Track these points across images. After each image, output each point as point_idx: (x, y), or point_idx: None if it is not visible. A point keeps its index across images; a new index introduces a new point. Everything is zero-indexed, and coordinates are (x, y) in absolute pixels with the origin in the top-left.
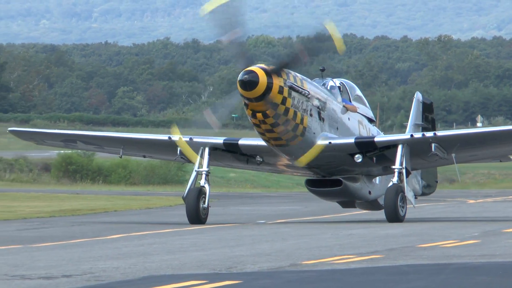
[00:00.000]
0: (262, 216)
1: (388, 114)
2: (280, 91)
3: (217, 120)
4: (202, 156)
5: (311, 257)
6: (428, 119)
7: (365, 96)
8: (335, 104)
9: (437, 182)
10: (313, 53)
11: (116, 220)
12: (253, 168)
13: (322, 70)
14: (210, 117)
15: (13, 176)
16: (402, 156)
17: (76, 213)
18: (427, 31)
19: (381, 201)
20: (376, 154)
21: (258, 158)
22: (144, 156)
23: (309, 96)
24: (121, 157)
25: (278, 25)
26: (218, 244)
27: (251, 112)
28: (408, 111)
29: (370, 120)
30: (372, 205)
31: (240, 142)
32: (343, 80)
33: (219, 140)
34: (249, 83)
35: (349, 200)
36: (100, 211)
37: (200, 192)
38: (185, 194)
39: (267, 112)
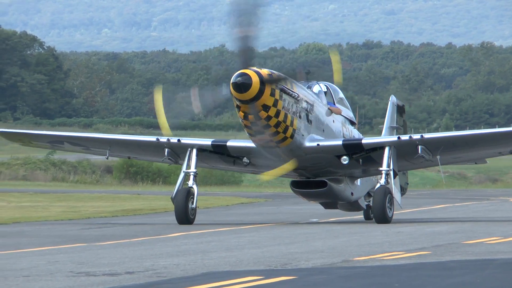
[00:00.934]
0: (315, 215)
1: (433, 117)
2: (272, 93)
3: (200, 104)
4: (190, 158)
5: (362, 254)
6: (401, 121)
7: (411, 100)
8: (321, 107)
9: (407, 184)
10: (310, 76)
11: (175, 218)
12: (238, 170)
13: (308, 73)
14: (194, 97)
15: (77, 177)
16: (389, 158)
17: (137, 213)
18: (470, 38)
19: (361, 202)
20: (363, 156)
21: (245, 160)
22: (129, 158)
23: (299, 98)
24: (107, 158)
25: (328, 32)
26: (274, 241)
27: (243, 114)
28: (453, 114)
29: (352, 123)
30: (353, 206)
31: (229, 143)
32: (326, 83)
33: (207, 141)
34: (243, 86)
35: (332, 201)
36: (161, 211)
37: (189, 193)
38: (173, 195)
39: (259, 114)
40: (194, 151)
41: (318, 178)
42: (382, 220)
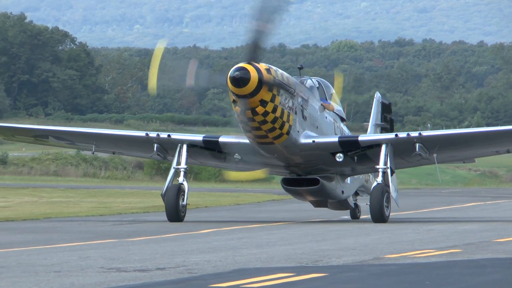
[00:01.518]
0: (346, 212)
1: (465, 115)
2: (270, 88)
3: (194, 79)
4: (180, 153)
5: (393, 251)
6: (387, 119)
7: (443, 98)
8: (315, 103)
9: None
10: (270, 17)
11: (207, 215)
12: (229, 167)
13: (300, 68)
14: (191, 71)
15: (108, 173)
16: (386, 155)
17: None
18: (502, 37)
19: (349, 200)
20: (358, 154)
21: (237, 156)
22: (114, 153)
23: (294, 94)
24: (93, 153)
25: (360, 30)
26: (305, 238)
27: (239, 109)
28: (484, 112)
29: (342, 119)
30: (342, 204)
31: (221, 139)
32: (319, 78)
33: (198, 137)
34: (241, 80)
35: (322, 200)
36: (192, 207)
37: (179, 189)
38: (163, 191)
39: (257, 109)
40: (185, 147)
41: (310, 175)
42: (379, 219)
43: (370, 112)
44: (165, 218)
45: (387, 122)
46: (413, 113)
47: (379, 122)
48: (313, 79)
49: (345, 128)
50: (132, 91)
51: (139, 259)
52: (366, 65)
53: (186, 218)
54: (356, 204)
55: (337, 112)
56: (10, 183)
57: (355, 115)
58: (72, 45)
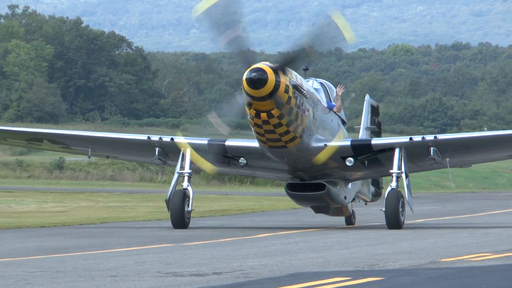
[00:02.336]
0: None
1: None
2: (286, 90)
3: (223, 122)
4: (183, 157)
5: (449, 255)
6: (375, 122)
7: (499, 102)
8: (322, 105)
9: (382, 187)
10: (321, 46)
11: (264, 219)
12: (231, 172)
13: (306, 69)
14: (216, 121)
15: (165, 178)
16: (400, 160)
17: (225, 213)
18: None
19: (349, 206)
20: (369, 158)
21: (242, 160)
22: (108, 157)
23: (307, 96)
24: (89, 157)
25: (416, 33)
26: (361, 242)
27: (254, 112)
28: None
29: (343, 122)
30: (342, 210)
31: (228, 143)
32: (322, 80)
33: (203, 140)
34: (258, 81)
35: (325, 205)
36: (248, 211)
37: (184, 195)
38: (168, 197)
39: (272, 112)
40: (188, 150)
41: (315, 180)
42: (394, 225)
43: (425, 116)
44: (221, 222)
45: (376, 125)
46: (469, 116)
47: (369, 126)
48: (317, 80)
49: (345, 131)
50: (188, 95)
51: (196, 263)
52: (423, 69)
53: (245, 223)
54: (352, 210)
55: (339, 115)
56: (67, 187)
57: (412, 118)
58: (129, 50)
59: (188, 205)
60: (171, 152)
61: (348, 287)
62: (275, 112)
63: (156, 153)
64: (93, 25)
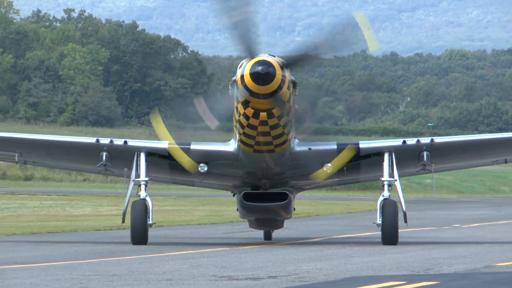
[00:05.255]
0: (457, 220)
1: None
2: (288, 87)
3: (212, 116)
4: (138, 163)
5: (504, 259)
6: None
7: None
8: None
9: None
10: (336, 49)
11: (319, 223)
12: (188, 182)
13: None
14: (203, 111)
15: None
16: (390, 165)
17: None
18: None
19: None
20: (350, 164)
21: (202, 167)
22: (25, 162)
23: (296, 93)
24: (16, 163)
25: (472, 38)
26: (416, 246)
27: (252, 111)
28: None
29: None
30: (282, 224)
31: (193, 147)
32: None
33: (162, 144)
34: (265, 76)
35: (277, 219)
36: (304, 215)
37: (145, 207)
38: (125, 209)
39: (273, 111)
40: (143, 155)
41: (274, 189)
42: (392, 240)
43: (480, 120)
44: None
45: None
46: None
47: None
48: None
49: None
50: None
51: (251, 267)
52: (478, 73)
53: (299, 226)
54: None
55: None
56: (122, 191)
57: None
58: (184, 54)
59: (149, 218)
60: (121, 158)
61: None
62: (276, 111)
63: (104, 158)
64: (149, 29)
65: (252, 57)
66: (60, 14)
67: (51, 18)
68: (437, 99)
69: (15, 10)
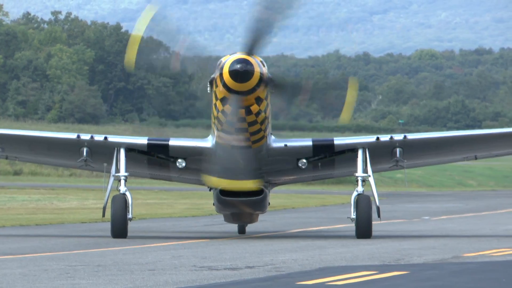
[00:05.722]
0: (427, 212)
1: None
2: (266, 83)
3: (181, 63)
4: (118, 159)
5: (472, 250)
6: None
7: None
8: None
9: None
10: (316, 95)
11: (295, 216)
12: (166, 178)
13: None
14: (177, 58)
15: None
16: (364, 161)
17: None
18: None
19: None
20: (325, 160)
21: (181, 162)
22: (7, 157)
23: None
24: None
25: (441, 39)
26: (388, 238)
27: (231, 108)
28: None
29: None
30: (256, 218)
31: (171, 142)
32: None
33: (141, 140)
34: (244, 74)
35: (252, 213)
36: (280, 208)
37: (125, 201)
38: (105, 203)
39: (251, 108)
40: (122, 151)
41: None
42: (366, 234)
43: (449, 118)
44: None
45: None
46: (490, 118)
47: None
48: None
49: None
50: None
51: (230, 257)
52: (447, 72)
53: (276, 219)
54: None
55: None
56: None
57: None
58: (167, 54)
59: (129, 212)
60: (102, 153)
61: (375, 280)
62: (254, 108)
63: (84, 153)
64: (132, 30)
65: (220, 61)
66: (48, 16)
67: (39, 20)
68: (408, 97)
69: (4, 13)
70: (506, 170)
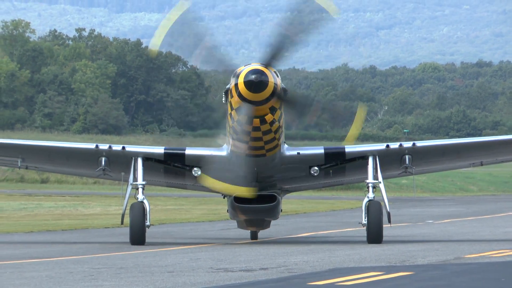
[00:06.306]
0: (430, 216)
1: None
2: (280, 93)
3: (201, 60)
4: (136, 168)
5: (472, 251)
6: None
7: None
8: None
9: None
10: (303, 28)
11: (305, 220)
12: (183, 186)
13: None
14: (202, 50)
15: None
16: (374, 168)
17: None
18: None
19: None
20: (337, 167)
21: (196, 170)
22: (27, 167)
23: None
24: (19, 168)
25: (443, 52)
26: (394, 240)
27: (246, 117)
28: None
29: None
30: (268, 224)
31: (188, 151)
32: None
33: (158, 149)
34: (259, 84)
35: (266, 219)
36: (292, 213)
37: (143, 209)
38: (124, 211)
39: (266, 117)
40: (140, 160)
41: (264, 191)
42: (377, 239)
43: (451, 127)
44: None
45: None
46: (490, 127)
47: None
48: None
49: None
50: None
51: (244, 260)
52: (449, 84)
53: (288, 223)
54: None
55: None
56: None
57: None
58: (184, 68)
59: (147, 219)
60: (120, 162)
61: (382, 281)
62: (268, 118)
63: (103, 163)
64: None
65: (235, 72)
66: (72, 33)
67: (64, 36)
68: (412, 108)
69: (31, 30)
70: (506, 176)
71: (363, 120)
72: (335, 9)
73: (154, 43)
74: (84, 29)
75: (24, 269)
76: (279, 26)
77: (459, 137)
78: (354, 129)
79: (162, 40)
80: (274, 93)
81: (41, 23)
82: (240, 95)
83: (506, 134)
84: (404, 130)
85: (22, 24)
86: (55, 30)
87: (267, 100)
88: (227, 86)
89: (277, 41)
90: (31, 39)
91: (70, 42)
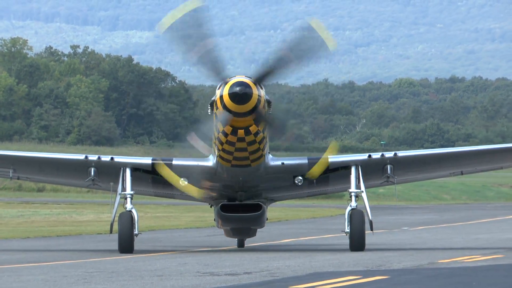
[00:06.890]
0: (406, 223)
1: (507, 141)
2: (264, 105)
3: (204, 144)
4: (124, 178)
5: (445, 257)
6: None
7: (488, 127)
8: None
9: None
10: (301, 55)
11: (288, 227)
12: (169, 195)
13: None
14: (196, 142)
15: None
16: (357, 178)
17: None
18: None
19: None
20: (320, 177)
21: (183, 180)
22: (18, 178)
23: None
24: (11, 179)
25: (418, 69)
26: (371, 246)
27: (231, 128)
28: None
29: None
30: (254, 233)
31: (175, 162)
32: None
33: (146, 160)
34: (243, 96)
35: (252, 228)
36: (275, 221)
37: (132, 218)
38: (113, 220)
39: (250, 128)
40: (128, 170)
41: (250, 200)
42: (359, 247)
43: (425, 139)
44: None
45: None
46: (463, 139)
47: None
48: None
49: None
50: None
51: (230, 264)
52: (423, 99)
53: (271, 230)
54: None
55: None
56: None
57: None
58: (173, 83)
59: (135, 228)
60: (109, 172)
61: (359, 284)
62: (253, 128)
63: (92, 173)
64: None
65: (225, 81)
66: (67, 50)
67: (59, 53)
68: (389, 121)
69: (29, 47)
70: (477, 185)
71: (325, 28)
72: (333, 43)
73: (163, 24)
74: (78, 46)
75: (21, 273)
76: (280, 48)
77: (432, 148)
78: (329, 42)
79: (170, 24)
80: (258, 104)
81: (38, 41)
82: (224, 107)
83: (477, 145)
84: (381, 142)
85: (20, 42)
86: (51, 47)
87: (251, 111)
88: (213, 98)
89: (273, 61)
90: (28, 56)
91: (65, 59)
